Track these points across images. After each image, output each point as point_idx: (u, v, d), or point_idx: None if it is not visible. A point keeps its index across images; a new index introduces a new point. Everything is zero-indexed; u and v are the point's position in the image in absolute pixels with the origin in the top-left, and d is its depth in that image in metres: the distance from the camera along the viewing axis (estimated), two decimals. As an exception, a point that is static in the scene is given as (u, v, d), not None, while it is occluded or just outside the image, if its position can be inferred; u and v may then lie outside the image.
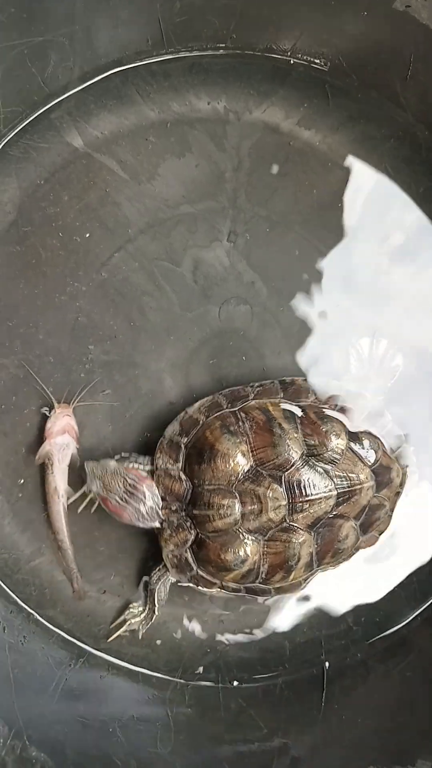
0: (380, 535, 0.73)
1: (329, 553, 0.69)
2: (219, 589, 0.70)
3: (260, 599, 0.74)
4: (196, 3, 0.74)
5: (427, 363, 0.78)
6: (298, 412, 0.69)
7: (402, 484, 0.74)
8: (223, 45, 0.78)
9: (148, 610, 0.73)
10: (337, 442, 0.68)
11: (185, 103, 0.78)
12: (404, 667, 0.74)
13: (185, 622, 0.75)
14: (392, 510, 0.73)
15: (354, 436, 0.70)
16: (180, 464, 0.69)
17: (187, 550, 0.69)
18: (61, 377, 0.75)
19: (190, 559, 0.69)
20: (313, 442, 0.68)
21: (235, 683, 0.74)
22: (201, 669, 0.74)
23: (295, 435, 0.68)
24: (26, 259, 0.75)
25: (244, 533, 0.67)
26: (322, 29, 0.77)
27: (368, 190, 0.79)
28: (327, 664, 0.75)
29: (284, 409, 0.69)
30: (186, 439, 0.69)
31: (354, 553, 0.72)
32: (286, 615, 0.75)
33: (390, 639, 0.76)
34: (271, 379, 0.73)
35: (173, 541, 0.69)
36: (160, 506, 0.69)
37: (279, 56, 0.79)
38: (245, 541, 0.67)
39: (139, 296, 0.76)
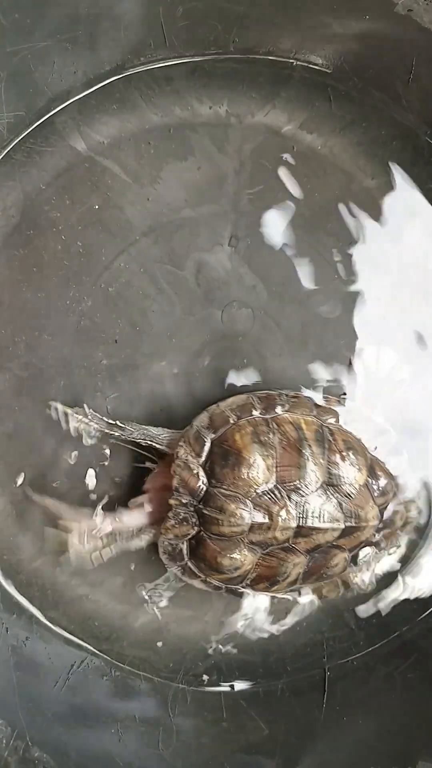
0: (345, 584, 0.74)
1: (314, 576, 0.69)
2: (201, 582, 0.70)
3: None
4: (199, 7, 0.74)
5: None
6: (329, 435, 0.69)
7: (404, 527, 0.74)
8: (226, 49, 0.78)
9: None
10: (357, 477, 0.68)
11: (187, 107, 0.78)
12: (405, 670, 0.75)
13: (186, 624, 0.75)
14: (386, 548, 0.74)
15: (373, 473, 0.70)
16: (201, 459, 0.68)
17: (185, 542, 0.69)
18: (63, 380, 0.75)
19: (185, 551, 0.69)
20: (335, 472, 0.67)
21: (237, 685, 0.75)
22: (203, 671, 0.75)
23: (321, 461, 0.67)
24: (29, 263, 0.76)
25: (246, 543, 0.67)
26: (325, 33, 0.77)
27: (371, 192, 0.79)
28: (328, 666, 0.76)
29: (316, 431, 0.68)
30: (213, 435, 0.68)
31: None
32: (288, 617, 0.76)
33: (392, 642, 0.77)
34: (277, 383, 0.74)
35: (174, 531, 0.68)
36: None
37: (281, 60, 0.79)
38: (244, 551, 0.67)
39: (142, 299, 0.76)
